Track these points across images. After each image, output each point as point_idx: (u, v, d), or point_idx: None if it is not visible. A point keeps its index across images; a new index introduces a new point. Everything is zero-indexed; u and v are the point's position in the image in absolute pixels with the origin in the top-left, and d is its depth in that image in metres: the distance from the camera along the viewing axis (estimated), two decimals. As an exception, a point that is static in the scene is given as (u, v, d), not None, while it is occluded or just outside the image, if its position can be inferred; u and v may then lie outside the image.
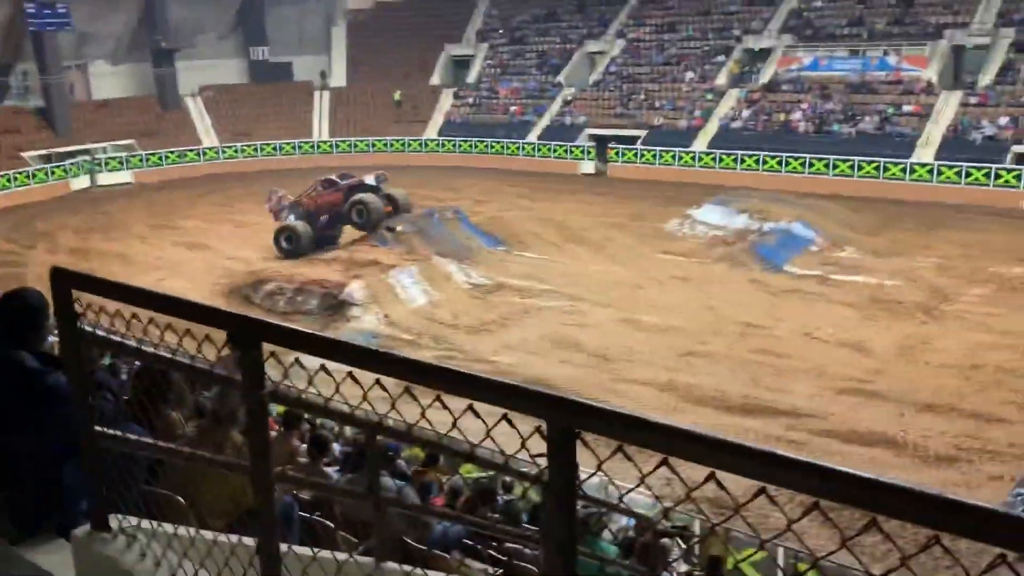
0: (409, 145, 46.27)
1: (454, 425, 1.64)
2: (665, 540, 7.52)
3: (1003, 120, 32.37)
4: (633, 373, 17.35)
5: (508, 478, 7.42)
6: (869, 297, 21.41)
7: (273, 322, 1.93)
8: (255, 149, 45.57)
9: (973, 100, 33.96)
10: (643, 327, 20.02)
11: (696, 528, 9.72)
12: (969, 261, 23.81)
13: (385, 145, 46.19)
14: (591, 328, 20.12)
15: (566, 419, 1.45)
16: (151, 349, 2.57)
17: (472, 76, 49.56)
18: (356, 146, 46.48)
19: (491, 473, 6.65)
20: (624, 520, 8.52)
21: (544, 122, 44.16)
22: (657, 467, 1.55)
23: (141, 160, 42.68)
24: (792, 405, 15.58)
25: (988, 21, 36.31)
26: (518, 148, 43.58)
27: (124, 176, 41.87)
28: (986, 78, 34.67)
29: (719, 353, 18.25)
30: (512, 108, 45.66)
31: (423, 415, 1.72)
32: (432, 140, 46.35)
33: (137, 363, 4.27)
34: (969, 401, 15.44)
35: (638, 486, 1.59)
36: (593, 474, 1.66)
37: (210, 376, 2.39)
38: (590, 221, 30.47)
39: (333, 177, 27.94)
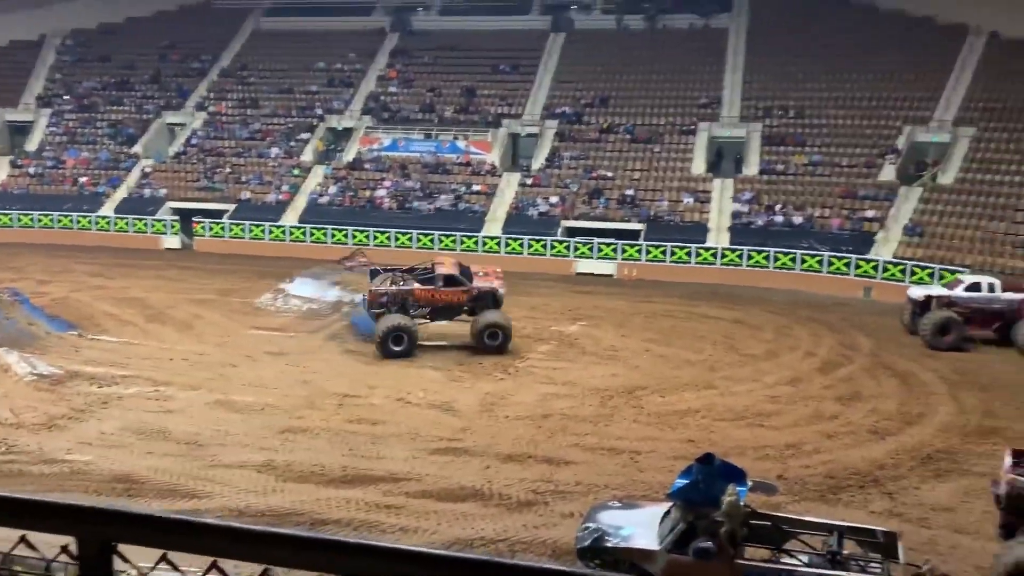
0: (-47, 220, 40.02)
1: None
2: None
3: (553, 199, 37.23)
4: (228, 457, 16.56)
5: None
6: (454, 360, 22.97)
7: None
8: None
9: (529, 181, 38.63)
10: (237, 407, 19.28)
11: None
12: (534, 322, 26.75)
13: (-81, 220, 39.41)
14: (180, 413, 18.88)
15: (98, 533, 1.36)
16: None
17: (33, 144, 44.62)
18: None
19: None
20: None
21: (120, 194, 41.15)
22: (208, 570, 1.52)
23: None
24: (389, 470, 16.03)
25: (536, 113, 41.77)
26: (90, 222, 39.90)
27: None
28: (537, 162, 39.71)
29: (317, 427, 18.21)
30: (81, 179, 41.81)
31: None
32: (-18, 214, 40.59)
33: None
34: (542, 448, 17.19)
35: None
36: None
37: None
38: (175, 298, 28.84)
39: (456, 274, 24.18)
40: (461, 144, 40.50)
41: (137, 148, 43.35)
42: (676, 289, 31.71)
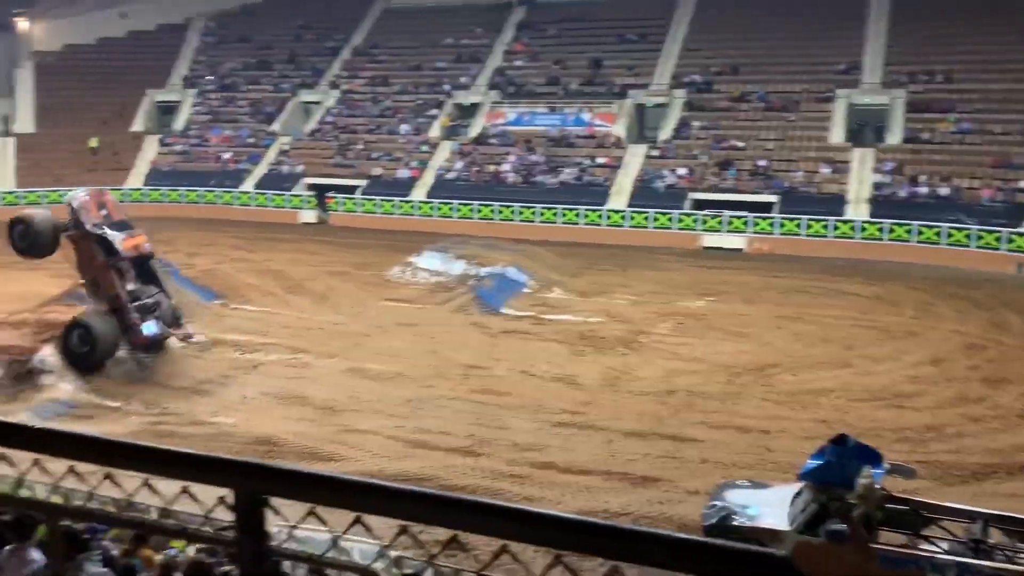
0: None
1: (129, 504, 1.55)
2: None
3: (681, 171, 36.45)
4: (361, 423, 17.19)
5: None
6: (577, 334, 22.97)
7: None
8: (-80, 202, 39.94)
9: (655, 153, 37.93)
10: (369, 375, 19.96)
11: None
12: (659, 297, 26.39)
13: (81, 195, 42.48)
14: (316, 380, 19.70)
15: (252, 486, 1.43)
16: None
17: (180, 123, 47.22)
18: (47, 196, 42.25)
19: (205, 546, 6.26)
20: None
21: (260, 171, 43.02)
22: (352, 525, 1.58)
23: None
24: (514, 441, 16.24)
25: (664, 83, 40.90)
26: (233, 197, 42.01)
27: None
28: (665, 133, 38.92)
29: (444, 396, 18.63)
30: (225, 156, 44.00)
31: (91, 496, 1.61)
32: (136, 189, 43.35)
33: None
34: (666, 424, 16.99)
35: (331, 548, 1.59)
36: (288, 538, 1.65)
37: None
38: (312, 271, 30.00)
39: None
40: (586, 116, 40.19)
41: (275, 126, 45.18)
42: (811, 264, 30.53)
